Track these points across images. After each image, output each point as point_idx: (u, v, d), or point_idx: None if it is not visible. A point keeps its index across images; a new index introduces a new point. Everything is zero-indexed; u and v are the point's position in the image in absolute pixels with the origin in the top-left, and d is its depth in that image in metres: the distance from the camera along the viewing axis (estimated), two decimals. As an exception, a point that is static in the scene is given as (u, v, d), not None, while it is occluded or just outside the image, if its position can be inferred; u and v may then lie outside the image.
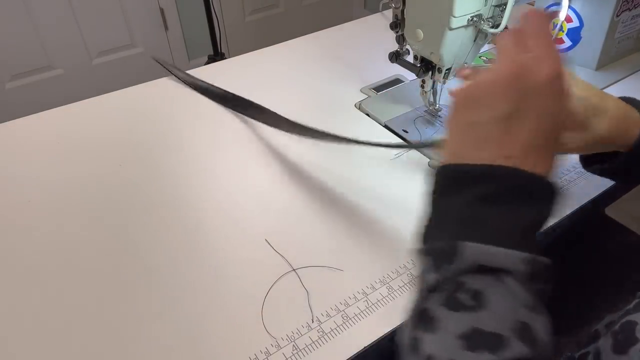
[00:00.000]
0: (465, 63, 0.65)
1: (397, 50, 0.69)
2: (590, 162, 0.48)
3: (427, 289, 0.31)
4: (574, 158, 0.55)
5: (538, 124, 0.32)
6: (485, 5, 0.57)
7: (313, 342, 0.42)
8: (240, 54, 0.88)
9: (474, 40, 0.61)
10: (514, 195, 0.31)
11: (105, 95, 0.77)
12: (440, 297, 0.30)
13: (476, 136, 0.33)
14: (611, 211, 0.78)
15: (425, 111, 0.69)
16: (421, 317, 0.30)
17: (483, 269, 0.29)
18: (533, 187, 0.31)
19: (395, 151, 0.62)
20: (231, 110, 0.70)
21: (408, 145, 0.49)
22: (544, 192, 0.32)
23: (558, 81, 0.32)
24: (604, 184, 0.56)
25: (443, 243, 0.31)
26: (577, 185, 0.57)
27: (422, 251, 0.33)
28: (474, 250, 0.29)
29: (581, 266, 0.66)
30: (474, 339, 0.28)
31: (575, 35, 0.77)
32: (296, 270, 0.48)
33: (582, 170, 0.56)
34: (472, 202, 0.31)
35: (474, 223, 0.31)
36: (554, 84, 0.32)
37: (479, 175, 0.32)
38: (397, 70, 0.72)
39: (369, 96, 0.75)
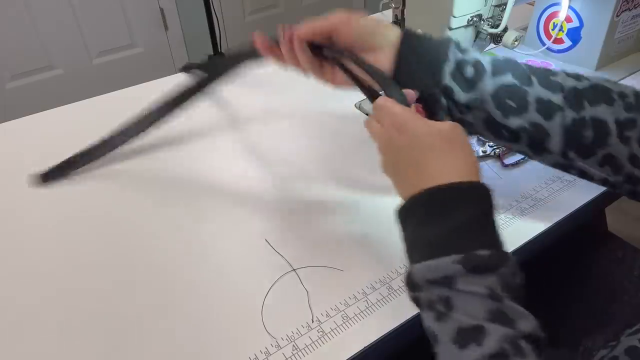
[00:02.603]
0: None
1: (397, 50, 0.69)
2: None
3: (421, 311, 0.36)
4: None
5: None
6: (485, 5, 0.57)
7: (313, 342, 0.42)
8: (240, 54, 0.88)
9: (474, 40, 0.61)
10: (437, 210, 0.36)
11: (105, 95, 0.77)
12: (428, 314, 0.34)
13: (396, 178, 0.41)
14: (611, 212, 0.78)
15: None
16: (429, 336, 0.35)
17: (434, 282, 0.34)
18: (447, 195, 0.36)
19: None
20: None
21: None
22: (463, 192, 0.37)
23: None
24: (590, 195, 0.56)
25: (405, 275, 0.37)
26: (562, 195, 0.57)
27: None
28: (418, 271, 0.35)
29: (576, 277, 0.66)
30: (461, 338, 0.32)
31: (575, 35, 0.77)
32: (296, 270, 0.48)
33: (567, 179, 0.56)
34: (413, 229, 0.37)
35: (415, 246, 0.37)
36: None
37: (410, 207, 0.38)
38: (397, 70, 0.72)
39: (369, 96, 0.75)
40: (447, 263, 0.33)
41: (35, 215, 0.56)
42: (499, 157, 0.61)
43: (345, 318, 0.43)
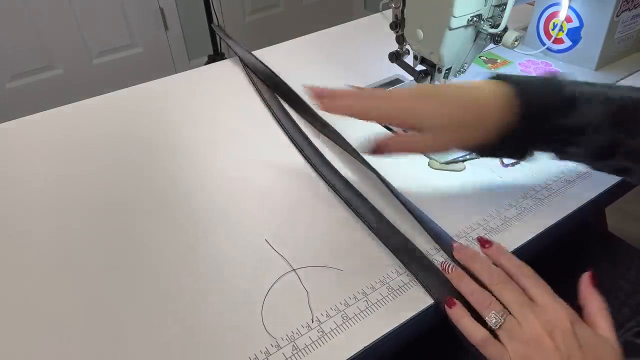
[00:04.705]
0: (465, 63, 0.65)
1: (397, 51, 0.69)
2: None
3: None
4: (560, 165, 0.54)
5: None
6: (485, 5, 0.57)
7: (313, 342, 0.42)
8: (240, 54, 0.88)
9: (474, 40, 0.61)
10: None
11: (105, 95, 0.77)
12: None
13: None
14: (611, 212, 0.78)
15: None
16: None
17: None
18: None
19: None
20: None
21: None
22: None
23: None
24: (592, 193, 0.56)
25: None
26: (562, 195, 0.57)
27: None
28: None
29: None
30: None
31: (575, 35, 0.77)
32: (296, 270, 0.48)
33: (567, 180, 0.56)
34: None
35: None
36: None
37: None
38: (397, 70, 0.72)
39: (369, 96, 0.75)
40: None
41: (34, 216, 0.56)
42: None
43: (345, 318, 0.43)
